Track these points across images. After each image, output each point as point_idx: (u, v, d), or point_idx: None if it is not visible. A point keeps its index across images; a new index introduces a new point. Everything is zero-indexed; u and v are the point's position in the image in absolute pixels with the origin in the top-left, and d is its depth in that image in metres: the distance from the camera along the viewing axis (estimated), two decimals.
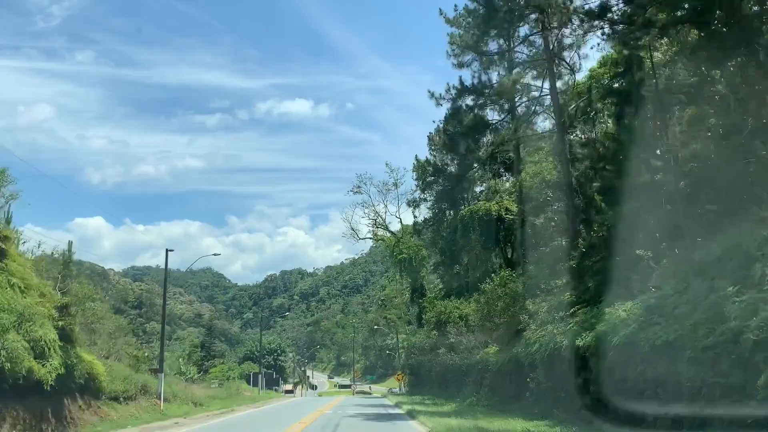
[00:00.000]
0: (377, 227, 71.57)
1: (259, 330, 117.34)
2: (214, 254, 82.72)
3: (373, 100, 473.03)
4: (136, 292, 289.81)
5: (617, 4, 20.01)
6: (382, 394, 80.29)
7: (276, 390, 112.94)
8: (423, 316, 60.14)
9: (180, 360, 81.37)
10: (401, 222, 71.29)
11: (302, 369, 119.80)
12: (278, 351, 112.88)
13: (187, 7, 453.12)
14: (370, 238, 73.96)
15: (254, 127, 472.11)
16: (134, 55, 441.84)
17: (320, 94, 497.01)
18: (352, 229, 73.95)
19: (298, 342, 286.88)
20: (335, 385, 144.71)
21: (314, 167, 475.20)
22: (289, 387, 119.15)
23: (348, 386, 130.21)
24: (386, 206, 70.46)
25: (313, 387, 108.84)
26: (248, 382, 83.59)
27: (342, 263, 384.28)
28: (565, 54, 32.26)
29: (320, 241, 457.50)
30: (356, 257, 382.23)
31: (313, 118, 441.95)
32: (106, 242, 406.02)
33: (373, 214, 70.20)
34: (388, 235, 72.20)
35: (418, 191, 60.91)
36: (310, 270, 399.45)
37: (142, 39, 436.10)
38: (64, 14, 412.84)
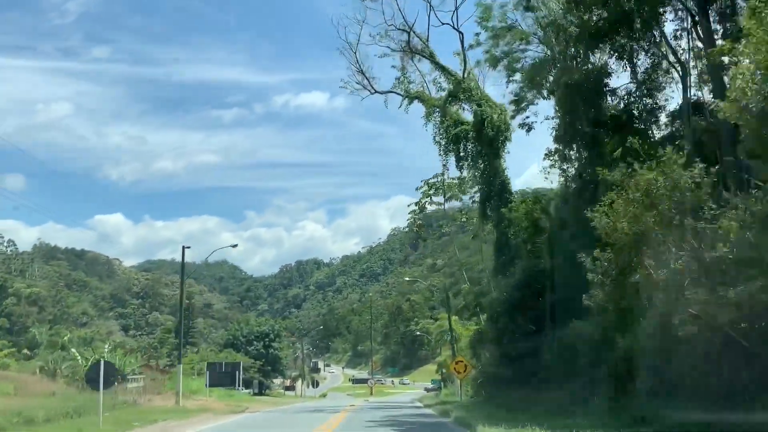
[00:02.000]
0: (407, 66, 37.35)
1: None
2: (232, 246, 57.94)
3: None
4: (142, 282, 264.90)
5: None
6: (424, 402, 49.47)
7: (267, 392, 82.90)
8: (509, 244, 30.02)
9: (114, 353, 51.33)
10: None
11: (302, 359, 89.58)
12: (270, 335, 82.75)
13: (202, 5, 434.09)
14: (397, 93, 37.51)
15: (271, 122, 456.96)
16: (151, 53, 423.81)
17: (336, 88, 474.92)
18: (362, 72, 39.46)
19: (310, 332, 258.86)
20: (350, 379, 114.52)
21: (331, 162, 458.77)
22: (287, 383, 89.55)
23: (365, 380, 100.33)
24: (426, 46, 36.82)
25: (314, 384, 79.34)
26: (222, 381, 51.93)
27: (359, 252, 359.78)
28: None
29: (337, 234, 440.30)
30: (373, 245, 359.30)
31: (329, 111, 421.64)
32: (126, 238, 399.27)
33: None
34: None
35: None
36: (326, 260, 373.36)
37: (159, 37, 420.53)
38: (79, 11, 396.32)
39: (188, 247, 34.53)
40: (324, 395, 79.45)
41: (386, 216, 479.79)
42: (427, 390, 76.77)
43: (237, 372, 49.65)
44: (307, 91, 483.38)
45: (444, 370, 68.90)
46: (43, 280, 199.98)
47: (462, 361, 34.49)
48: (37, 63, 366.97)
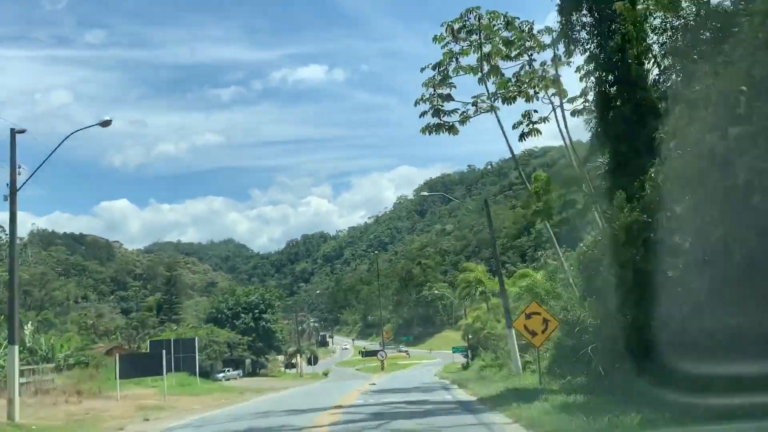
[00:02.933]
0: None
1: None
2: (104, 122, 28.64)
3: (388, 63, 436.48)
4: (144, 263, 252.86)
5: None
6: (456, 382, 34.92)
7: (263, 372, 69.37)
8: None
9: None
10: None
11: (297, 332, 75.63)
12: (261, 306, 68.88)
13: None
14: None
15: (270, 98, 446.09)
16: (146, 35, 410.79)
17: (334, 60, 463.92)
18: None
19: (319, 305, 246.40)
20: (360, 352, 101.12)
21: (333, 136, 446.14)
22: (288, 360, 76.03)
23: (376, 353, 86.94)
24: None
25: (312, 360, 65.61)
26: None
27: (365, 223, 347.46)
28: None
29: (343, 208, 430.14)
30: (380, 215, 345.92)
31: (328, 83, 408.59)
32: (133, 223, 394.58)
33: None
34: None
35: None
36: (332, 233, 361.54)
37: (153, 18, 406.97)
38: None
39: (22, 131, 19.26)
40: (326, 373, 65.96)
41: (391, 187, 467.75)
42: (456, 360, 63.01)
43: (194, 352, 35.41)
44: (305, 64, 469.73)
45: (470, 336, 54.93)
46: (38, 265, 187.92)
47: (539, 314, 19.33)
48: (32, 52, 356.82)
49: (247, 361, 72.73)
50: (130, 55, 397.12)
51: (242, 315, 68.72)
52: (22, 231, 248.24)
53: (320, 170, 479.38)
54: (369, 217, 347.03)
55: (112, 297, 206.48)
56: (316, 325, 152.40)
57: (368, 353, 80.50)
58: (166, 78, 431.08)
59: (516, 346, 24.31)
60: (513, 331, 24.12)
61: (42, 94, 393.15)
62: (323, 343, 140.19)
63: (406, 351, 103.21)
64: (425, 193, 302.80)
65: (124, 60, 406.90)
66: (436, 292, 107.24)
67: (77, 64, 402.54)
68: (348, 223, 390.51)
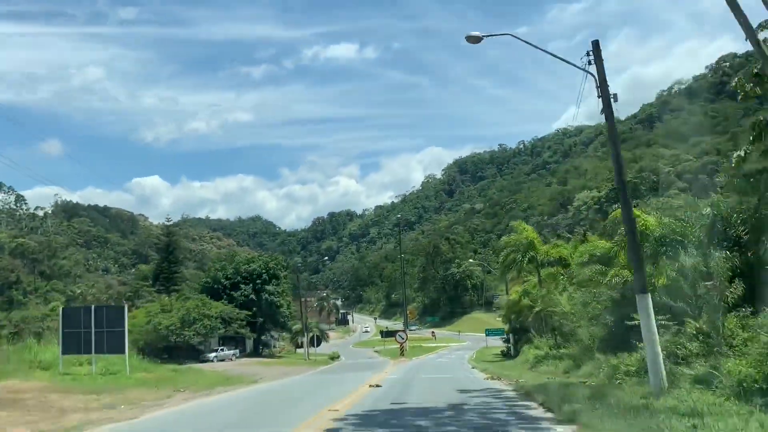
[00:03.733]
0: None
1: None
2: None
3: (421, 42, 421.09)
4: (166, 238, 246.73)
5: None
6: (486, 368, 23.36)
7: (267, 352, 58.62)
8: None
9: None
10: None
11: (302, 304, 63.99)
12: (264, 276, 57.83)
13: None
14: None
15: (301, 77, 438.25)
16: (178, 13, 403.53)
17: (366, 39, 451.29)
18: None
19: (342, 283, 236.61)
20: (381, 332, 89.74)
21: (363, 115, 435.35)
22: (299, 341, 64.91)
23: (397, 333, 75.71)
24: None
25: (315, 341, 54.24)
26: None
27: (393, 202, 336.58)
28: None
29: (372, 188, 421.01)
30: (407, 194, 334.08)
31: (360, 62, 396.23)
32: (165, 199, 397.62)
33: None
34: None
35: None
36: (359, 212, 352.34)
37: None
38: None
39: None
40: (333, 357, 54.70)
41: (419, 168, 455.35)
42: (505, 352, 50.80)
43: (122, 326, 24.01)
44: (337, 42, 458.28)
45: (513, 316, 42.84)
46: (57, 236, 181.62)
47: None
48: (68, 29, 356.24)
49: (250, 340, 61.95)
50: (162, 32, 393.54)
51: (242, 286, 57.69)
52: (44, 202, 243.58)
53: (349, 150, 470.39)
54: (396, 196, 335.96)
55: (133, 270, 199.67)
56: (337, 302, 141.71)
57: (389, 333, 69.06)
58: (198, 56, 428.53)
59: (656, 333, 12.09)
60: (649, 301, 12.04)
61: (77, 70, 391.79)
62: (343, 321, 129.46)
63: (432, 332, 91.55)
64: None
65: (157, 37, 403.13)
66: (470, 261, 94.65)
67: (111, 42, 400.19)
68: (375, 203, 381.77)
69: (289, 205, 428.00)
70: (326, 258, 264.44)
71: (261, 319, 57.84)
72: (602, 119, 14.57)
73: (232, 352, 55.14)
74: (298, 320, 61.96)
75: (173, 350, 52.32)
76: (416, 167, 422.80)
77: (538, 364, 26.92)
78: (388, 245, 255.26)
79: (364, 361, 48.08)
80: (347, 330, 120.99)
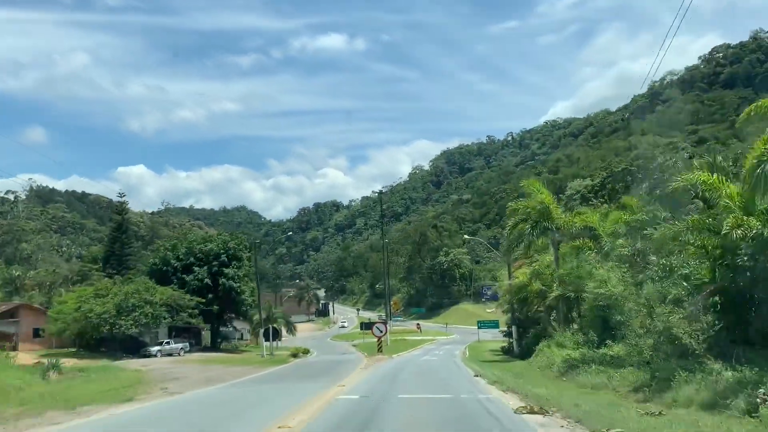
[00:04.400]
0: None
1: None
2: None
3: (409, 35, 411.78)
4: (147, 224, 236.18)
5: None
6: (490, 376, 13.88)
7: (226, 346, 49.69)
8: None
9: None
10: None
11: (259, 288, 54.29)
12: (222, 257, 48.62)
13: None
14: None
15: (290, 68, 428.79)
16: (166, 2, 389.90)
17: (355, 30, 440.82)
18: None
19: (326, 273, 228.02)
20: (362, 323, 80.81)
21: (351, 107, 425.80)
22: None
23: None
24: None
25: (272, 334, 45.09)
26: None
27: (380, 192, 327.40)
28: None
29: (359, 181, 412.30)
30: (394, 185, 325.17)
31: (348, 53, 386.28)
32: (150, 189, 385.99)
33: None
34: None
35: None
36: (345, 203, 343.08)
37: None
38: None
39: None
40: (298, 353, 45.41)
41: (408, 161, 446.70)
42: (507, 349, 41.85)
43: None
44: (325, 33, 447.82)
45: (516, 304, 33.97)
46: (29, 221, 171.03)
47: None
48: (54, 15, 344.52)
49: (204, 334, 52.75)
50: (150, 20, 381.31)
51: (195, 268, 48.39)
52: (18, 186, 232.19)
53: (337, 142, 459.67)
54: (383, 186, 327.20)
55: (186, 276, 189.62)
56: (318, 293, 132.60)
57: (369, 325, 60.24)
58: (186, 44, 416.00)
59: None
60: None
61: (62, 57, 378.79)
62: (323, 313, 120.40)
63: (417, 324, 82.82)
64: None
65: (144, 25, 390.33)
66: (466, 237, 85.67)
67: (98, 29, 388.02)
68: (363, 195, 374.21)
69: (276, 196, 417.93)
70: (311, 250, 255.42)
71: (217, 308, 48.58)
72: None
73: (180, 345, 45.88)
74: (264, 309, 52.50)
75: (110, 342, 43.19)
76: (404, 160, 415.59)
77: (572, 372, 18.10)
78: (374, 236, 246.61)
79: (332, 359, 39.15)
80: (327, 321, 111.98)
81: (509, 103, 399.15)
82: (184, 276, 48.34)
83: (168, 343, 45.26)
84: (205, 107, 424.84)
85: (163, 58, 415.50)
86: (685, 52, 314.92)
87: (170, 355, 44.73)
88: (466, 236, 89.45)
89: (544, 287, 28.24)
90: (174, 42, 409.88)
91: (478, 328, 58.58)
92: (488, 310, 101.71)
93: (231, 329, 55.84)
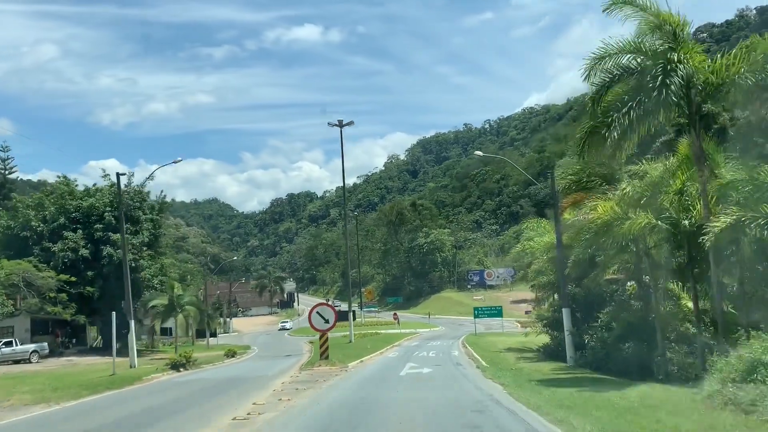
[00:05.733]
0: None
1: None
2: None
3: (385, 27, 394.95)
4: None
5: None
6: None
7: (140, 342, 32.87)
8: None
9: None
10: None
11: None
12: (109, 216, 31.94)
13: None
14: None
15: (264, 60, 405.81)
16: None
17: (330, 22, 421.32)
18: None
19: (297, 265, 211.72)
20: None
21: (327, 101, 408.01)
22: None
23: (346, 314, 51.33)
24: None
25: (175, 329, 29.24)
26: None
27: (354, 184, 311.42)
28: None
29: (335, 174, 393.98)
30: (369, 174, 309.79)
31: (324, 45, 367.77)
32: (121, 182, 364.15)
33: None
34: None
35: None
36: (320, 193, 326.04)
37: None
38: None
39: None
40: (233, 354, 29.22)
41: (384, 154, 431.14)
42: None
43: None
44: (300, 24, 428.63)
45: (571, 267, 18.43)
46: None
47: None
48: (21, 6, 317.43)
49: (93, 333, 35.88)
50: (121, 12, 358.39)
51: (66, 233, 31.74)
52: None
53: (313, 135, 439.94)
54: (358, 176, 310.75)
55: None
56: (285, 284, 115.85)
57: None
58: (158, 36, 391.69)
59: None
60: None
61: (31, 48, 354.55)
62: (286, 305, 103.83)
63: (394, 315, 66.74)
64: None
65: (115, 17, 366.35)
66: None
67: (67, 20, 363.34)
68: (339, 187, 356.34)
69: (251, 190, 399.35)
70: (284, 242, 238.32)
71: (96, 292, 31.91)
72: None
73: (33, 347, 29.18)
74: (160, 294, 35.76)
75: None
76: (380, 153, 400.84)
77: None
78: (349, 226, 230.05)
79: (251, 368, 23.30)
80: (292, 314, 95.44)
81: (484, 97, 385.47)
82: (50, 245, 31.58)
83: (9, 343, 28.54)
84: (179, 100, 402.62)
85: (135, 50, 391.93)
86: None
87: (18, 362, 28.20)
88: (478, 152, 73.43)
89: (673, 217, 12.75)
90: (146, 33, 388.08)
91: (475, 317, 42.86)
92: (475, 298, 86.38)
93: (136, 321, 39.26)
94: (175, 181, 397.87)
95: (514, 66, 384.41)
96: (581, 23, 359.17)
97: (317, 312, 21.13)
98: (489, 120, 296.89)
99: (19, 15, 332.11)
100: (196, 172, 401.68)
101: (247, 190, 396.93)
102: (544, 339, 26.24)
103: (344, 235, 44.07)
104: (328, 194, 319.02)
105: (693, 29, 13.81)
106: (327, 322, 20.86)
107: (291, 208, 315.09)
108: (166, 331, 51.35)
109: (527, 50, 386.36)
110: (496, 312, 42.46)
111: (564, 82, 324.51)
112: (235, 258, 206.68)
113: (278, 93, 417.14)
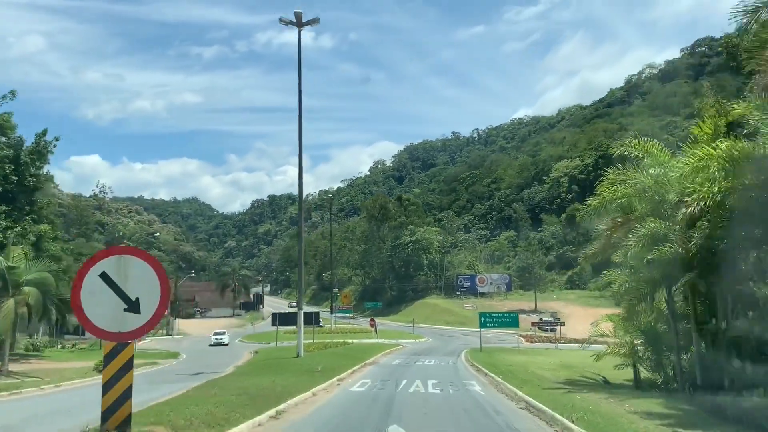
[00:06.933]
0: None
1: None
2: None
3: (376, 37, 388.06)
4: (69, 204, 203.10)
5: None
6: None
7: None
8: None
9: None
10: None
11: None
12: None
13: None
14: None
15: (254, 63, 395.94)
16: None
17: (323, 30, 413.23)
18: None
19: (272, 267, 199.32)
20: (273, 315, 51.79)
21: (315, 106, 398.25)
22: None
23: (313, 316, 39.45)
24: None
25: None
26: None
27: (338, 187, 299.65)
28: None
29: (321, 180, 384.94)
30: (354, 178, 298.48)
31: (314, 50, 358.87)
32: (103, 180, 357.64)
33: None
34: None
35: None
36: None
37: None
38: None
39: None
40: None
41: (370, 162, 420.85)
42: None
43: None
44: (291, 29, 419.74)
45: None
46: None
47: None
48: None
49: None
50: (112, 8, 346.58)
51: None
52: None
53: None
54: (342, 180, 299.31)
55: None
56: (260, 289, 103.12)
57: (283, 318, 32.58)
58: (147, 34, 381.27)
59: None
60: None
61: (18, 40, 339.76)
62: (251, 307, 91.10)
63: (371, 321, 54.50)
64: None
65: (106, 12, 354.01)
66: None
67: (58, 14, 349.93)
68: (320, 189, 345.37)
69: (235, 192, 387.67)
70: (263, 244, 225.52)
71: None
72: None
73: None
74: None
75: None
76: (367, 161, 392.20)
77: None
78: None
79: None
80: (255, 317, 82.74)
81: (473, 110, 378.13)
82: None
83: None
84: (165, 98, 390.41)
85: (123, 47, 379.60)
86: (667, 47, 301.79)
87: None
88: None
89: None
90: (135, 31, 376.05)
91: (481, 326, 31.10)
92: (465, 306, 74.58)
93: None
94: (159, 179, 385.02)
95: (503, 80, 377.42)
96: (571, 41, 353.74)
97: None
98: (477, 129, 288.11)
99: (7, 5, 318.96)
100: (179, 171, 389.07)
101: (230, 192, 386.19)
102: (615, 360, 14.78)
103: (299, 211, 32.01)
104: (311, 197, 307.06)
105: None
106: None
107: (272, 210, 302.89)
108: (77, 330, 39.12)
109: (516, 66, 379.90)
110: (510, 320, 31.03)
111: (552, 98, 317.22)
112: (203, 254, 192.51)
113: (267, 96, 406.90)
